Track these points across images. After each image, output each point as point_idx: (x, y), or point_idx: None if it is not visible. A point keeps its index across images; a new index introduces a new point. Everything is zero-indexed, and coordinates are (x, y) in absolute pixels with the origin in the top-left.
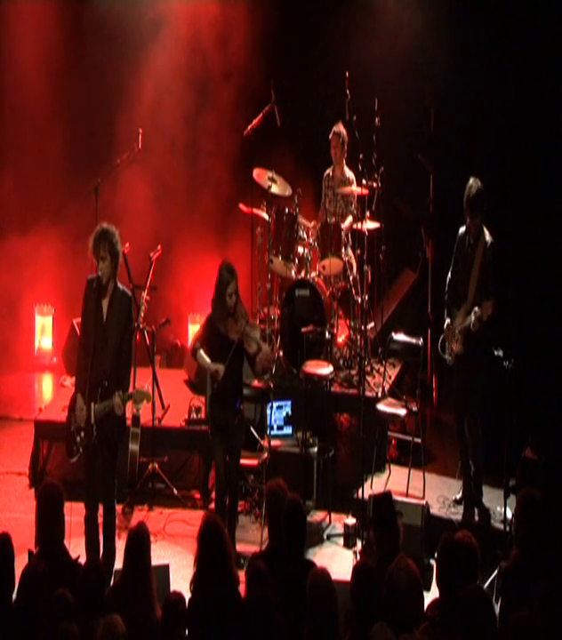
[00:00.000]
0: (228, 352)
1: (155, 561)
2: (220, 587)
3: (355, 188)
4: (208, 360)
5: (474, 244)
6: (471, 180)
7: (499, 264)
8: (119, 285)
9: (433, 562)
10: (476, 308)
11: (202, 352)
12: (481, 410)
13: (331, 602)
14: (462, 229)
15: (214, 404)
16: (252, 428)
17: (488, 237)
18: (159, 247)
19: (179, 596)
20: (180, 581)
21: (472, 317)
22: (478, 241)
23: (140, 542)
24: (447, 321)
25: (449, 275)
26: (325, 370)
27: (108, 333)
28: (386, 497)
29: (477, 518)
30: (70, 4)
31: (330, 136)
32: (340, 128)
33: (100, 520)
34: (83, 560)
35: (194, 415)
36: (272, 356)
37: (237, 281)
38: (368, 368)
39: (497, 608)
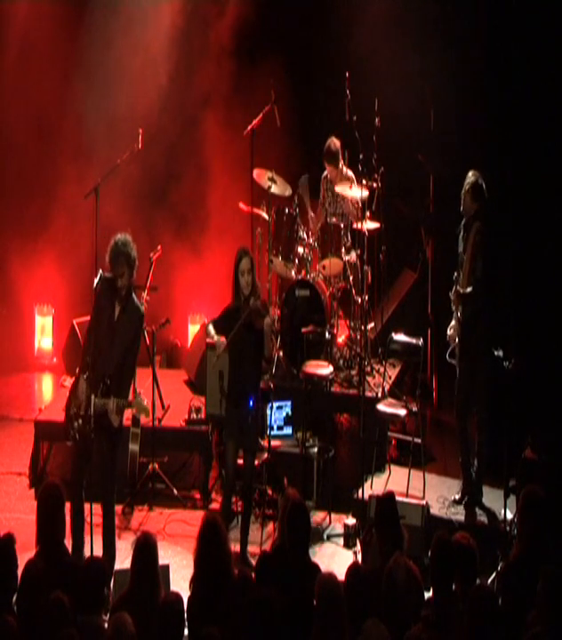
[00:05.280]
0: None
1: None
2: (219, 586)
3: (353, 191)
4: (213, 331)
5: (467, 233)
6: (470, 174)
7: (489, 249)
8: (134, 297)
9: None
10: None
11: (211, 326)
12: (487, 407)
13: (339, 607)
14: (462, 223)
15: (227, 400)
16: None
17: (478, 223)
18: (159, 247)
19: (176, 596)
20: (180, 581)
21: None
22: (471, 230)
23: (147, 552)
24: (452, 323)
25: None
26: (325, 370)
27: (117, 337)
28: (389, 498)
29: (476, 518)
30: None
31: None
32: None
33: (101, 520)
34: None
35: (194, 415)
36: (271, 329)
37: (253, 262)
38: (368, 368)
39: None
